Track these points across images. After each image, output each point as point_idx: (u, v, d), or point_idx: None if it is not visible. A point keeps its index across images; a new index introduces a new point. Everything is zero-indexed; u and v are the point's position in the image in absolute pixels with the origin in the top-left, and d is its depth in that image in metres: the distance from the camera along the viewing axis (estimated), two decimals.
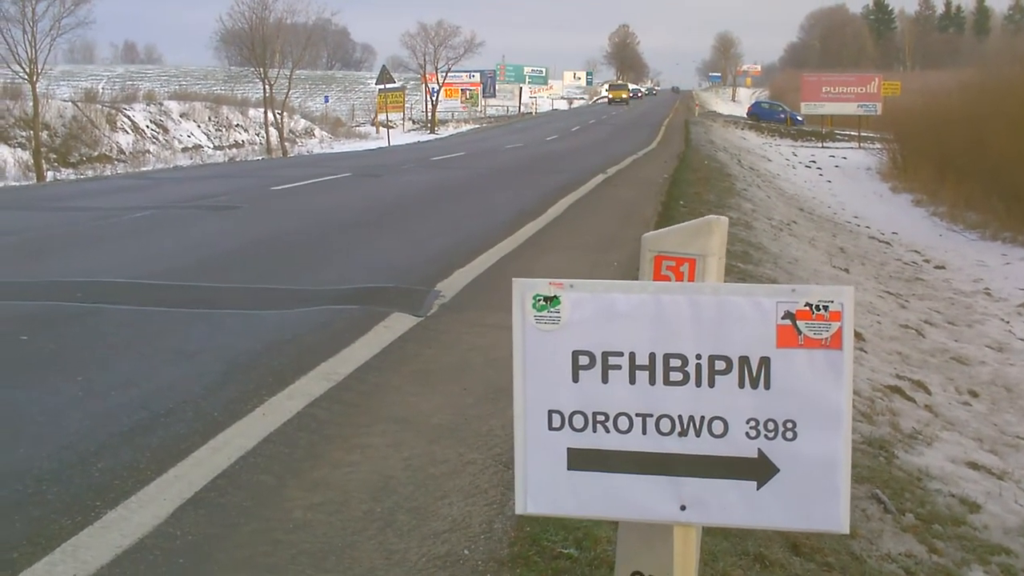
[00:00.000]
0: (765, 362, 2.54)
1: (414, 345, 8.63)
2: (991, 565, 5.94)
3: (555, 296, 2.66)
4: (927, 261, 24.62)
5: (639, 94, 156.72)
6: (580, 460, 2.67)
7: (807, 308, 2.52)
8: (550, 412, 2.67)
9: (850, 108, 68.70)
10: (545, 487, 2.70)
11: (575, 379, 2.65)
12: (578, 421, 2.66)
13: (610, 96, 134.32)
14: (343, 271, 12.06)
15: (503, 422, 6.55)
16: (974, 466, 7.98)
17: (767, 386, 2.55)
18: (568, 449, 2.67)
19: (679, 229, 2.87)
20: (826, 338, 2.52)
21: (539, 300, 2.67)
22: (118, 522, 4.96)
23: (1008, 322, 17.16)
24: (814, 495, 2.55)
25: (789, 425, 2.55)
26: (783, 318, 2.53)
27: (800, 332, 2.52)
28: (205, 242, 14.91)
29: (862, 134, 65.56)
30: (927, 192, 38.19)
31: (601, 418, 2.64)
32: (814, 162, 53.54)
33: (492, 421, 6.64)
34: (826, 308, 2.51)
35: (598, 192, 22.92)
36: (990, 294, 20.29)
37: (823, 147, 64.60)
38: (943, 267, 23.74)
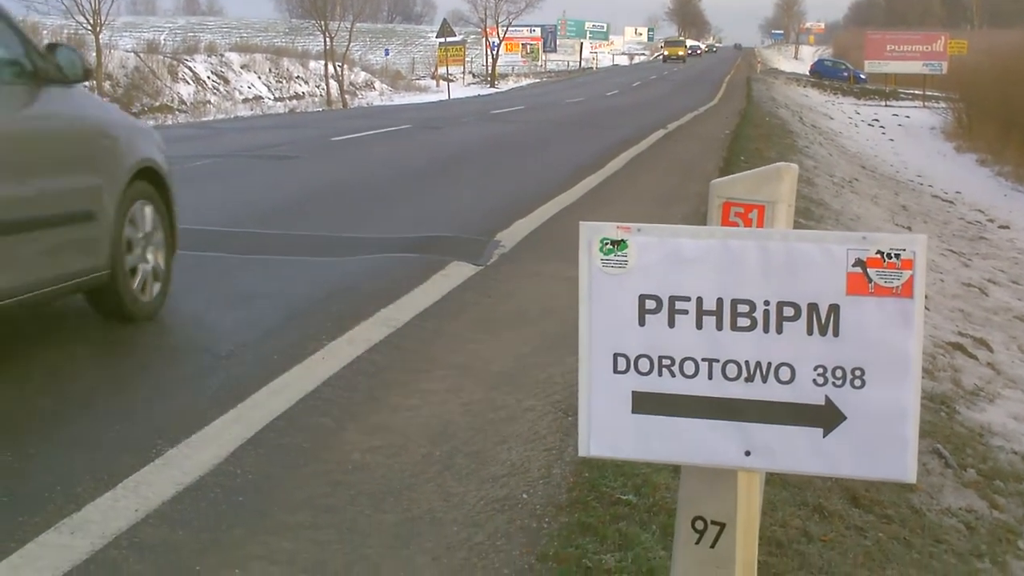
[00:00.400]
0: (834, 309, 2.52)
1: (473, 293, 8.65)
2: None
3: (622, 240, 2.65)
4: (991, 220, 24.37)
5: (698, 51, 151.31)
6: (645, 404, 2.66)
7: (878, 256, 2.49)
8: (615, 355, 2.67)
9: (915, 67, 67.93)
10: (609, 430, 2.70)
11: (641, 323, 2.64)
12: (644, 365, 2.65)
13: (666, 53, 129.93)
14: (403, 220, 12.09)
15: (562, 370, 6.56)
16: None
17: (836, 333, 2.52)
18: (633, 392, 2.66)
19: (748, 176, 2.84)
20: (897, 286, 2.49)
21: (606, 244, 2.65)
22: (179, 460, 5.01)
23: None
24: (881, 444, 2.53)
25: (857, 373, 2.53)
26: (853, 265, 2.50)
27: (871, 280, 2.50)
28: (265, 190, 15.00)
29: (926, 93, 64.85)
30: (992, 152, 37.78)
31: (667, 362, 2.63)
32: (877, 120, 53.07)
33: (551, 369, 6.65)
34: (898, 256, 2.48)
35: (658, 147, 22.85)
36: None
37: (886, 106, 64.01)
38: (1007, 227, 23.49)
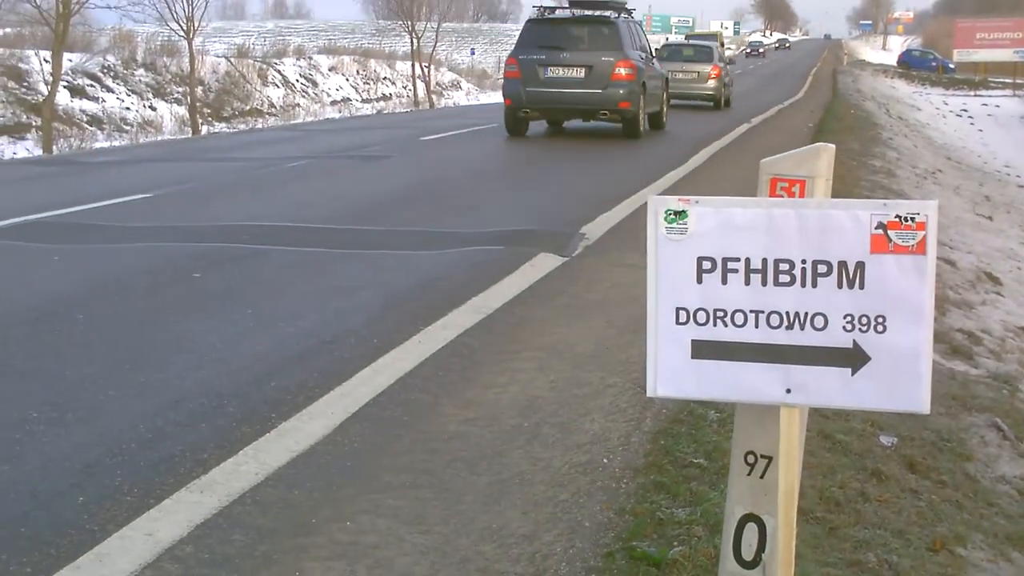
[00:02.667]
0: (860, 266, 2.95)
1: (559, 282, 9.09)
2: None
3: (683, 210, 3.10)
4: None
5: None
6: (702, 350, 3.11)
7: (897, 219, 2.92)
8: (677, 309, 3.12)
9: (1005, 54, 67.32)
10: (672, 373, 3.16)
11: (699, 281, 3.09)
12: (701, 317, 3.10)
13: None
14: (492, 215, 12.55)
15: (641, 351, 6.90)
16: None
17: (861, 286, 2.96)
18: (692, 340, 3.12)
19: (792, 155, 3.26)
20: (913, 245, 2.91)
21: (670, 214, 3.11)
22: (291, 431, 5.52)
23: None
24: (900, 380, 2.97)
25: (880, 320, 2.96)
26: (876, 228, 2.93)
27: (890, 240, 2.92)
28: (359, 189, 15.52)
29: (1017, 81, 64.24)
30: None
31: (721, 314, 3.08)
32: (965, 111, 52.75)
33: (631, 350, 7.07)
34: (913, 219, 2.91)
35: (742, 141, 23.11)
36: None
37: (975, 95, 63.52)
38: None
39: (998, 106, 55.40)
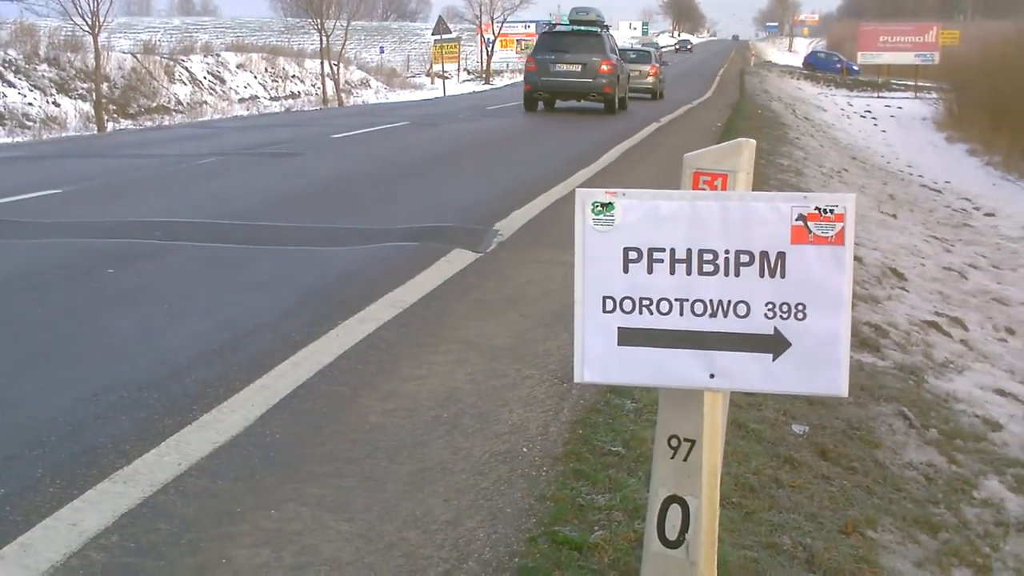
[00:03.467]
0: (781, 256, 3.07)
1: (474, 277, 9.17)
2: (1006, 476, 6.39)
3: (610, 202, 3.20)
4: (977, 209, 24.85)
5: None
6: (628, 337, 3.21)
7: (816, 211, 3.04)
8: (604, 298, 3.21)
9: (907, 58, 68.46)
10: (599, 360, 3.25)
11: (625, 271, 3.19)
12: (627, 305, 3.20)
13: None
14: (405, 212, 12.60)
15: (558, 344, 7.10)
16: (1002, 393, 8.42)
17: (782, 275, 3.08)
18: (618, 328, 3.21)
19: (714, 149, 3.38)
20: (831, 236, 3.03)
21: (597, 205, 3.20)
22: (213, 423, 5.55)
23: None
24: (819, 365, 3.09)
25: (800, 307, 3.08)
26: (796, 219, 3.05)
27: (810, 231, 3.04)
28: (272, 186, 15.49)
29: (919, 84, 65.35)
30: (982, 141, 38.22)
31: (646, 302, 3.18)
32: (869, 112, 53.52)
33: (548, 343, 7.18)
34: (832, 211, 3.03)
35: (651, 140, 23.33)
36: None
37: (879, 97, 64.47)
38: (993, 214, 23.96)
39: (900, 108, 56.26)
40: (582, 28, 33.06)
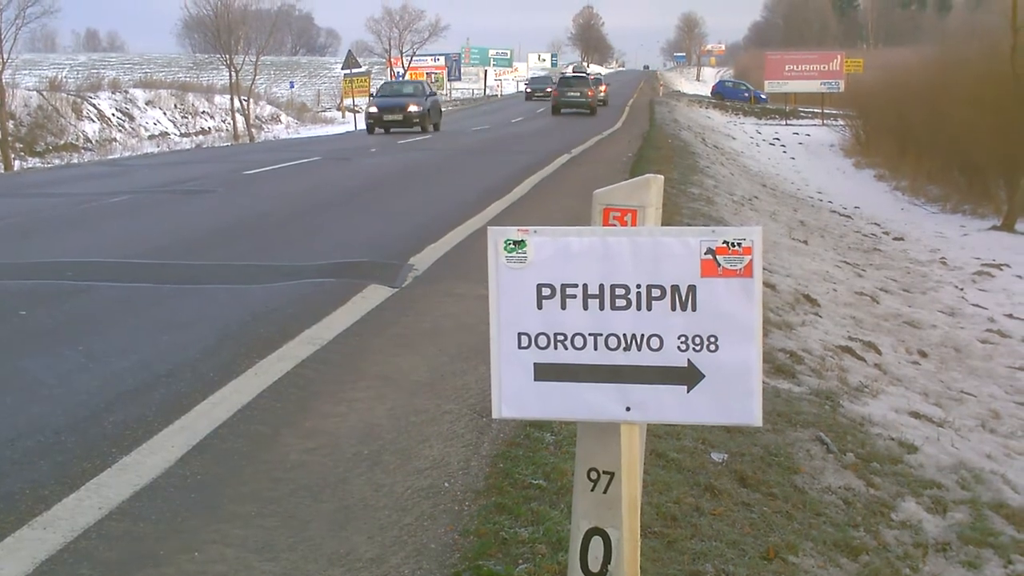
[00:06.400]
0: (692, 289, 3.15)
1: (391, 313, 9.20)
2: (923, 497, 6.52)
3: (522, 240, 3.25)
4: (886, 233, 25.31)
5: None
6: (544, 372, 3.27)
7: (724, 245, 3.12)
8: (519, 334, 3.27)
9: (813, 86, 69.53)
10: (516, 395, 3.30)
11: (539, 307, 3.25)
12: (542, 341, 3.25)
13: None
14: (321, 248, 12.59)
15: (476, 377, 7.15)
16: (916, 415, 8.57)
17: (694, 308, 3.15)
18: (534, 364, 3.27)
19: (623, 185, 3.45)
20: (740, 268, 3.12)
21: (509, 243, 3.26)
22: (133, 465, 5.54)
23: (962, 289, 17.84)
24: (733, 395, 3.16)
25: (712, 339, 3.15)
26: (705, 253, 3.13)
27: (719, 264, 3.12)
28: (185, 224, 15.42)
29: (825, 111, 66.33)
30: (889, 167, 38.98)
31: (561, 338, 3.24)
32: (778, 139, 54.29)
33: (466, 377, 7.23)
34: (739, 244, 3.11)
35: (563, 171, 23.46)
36: (946, 263, 20.97)
37: (787, 125, 65.39)
38: (902, 239, 24.42)
39: (808, 135, 57.10)
40: (578, 75, 65.19)
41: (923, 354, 12.02)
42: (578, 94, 56.62)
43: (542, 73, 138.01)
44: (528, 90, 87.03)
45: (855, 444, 7.20)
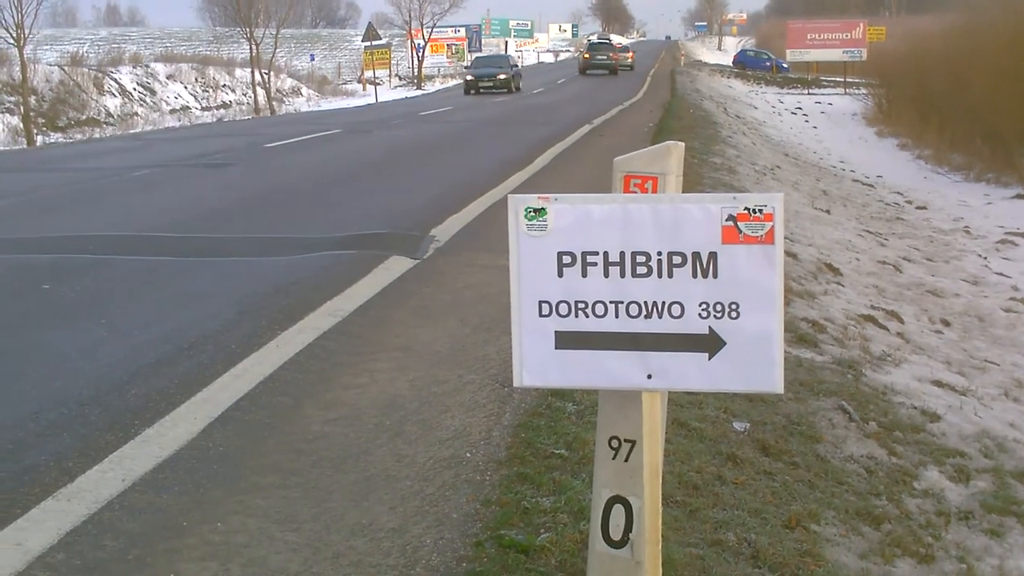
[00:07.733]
0: (713, 256, 3.13)
1: (412, 284, 9.19)
2: (945, 466, 6.50)
3: (543, 208, 3.24)
4: (909, 202, 25.13)
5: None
6: (565, 340, 3.26)
7: (746, 211, 3.10)
8: (540, 302, 3.26)
9: (835, 54, 69.02)
10: (537, 363, 3.29)
11: (560, 275, 3.24)
12: (563, 309, 3.25)
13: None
14: (342, 220, 12.58)
15: (497, 348, 7.14)
16: (939, 384, 8.54)
17: (715, 275, 3.14)
18: (555, 332, 3.26)
19: (643, 153, 3.43)
20: (761, 235, 3.09)
21: (530, 211, 3.24)
22: (156, 437, 5.55)
23: (985, 258, 17.71)
24: (754, 362, 3.15)
25: (733, 306, 3.14)
26: (727, 220, 3.11)
27: (740, 231, 3.10)
28: (206, 197, 15.44)
29: (848, 80, 65.95)
30: (912, 136, 38.64)
31: (582, 306, 3.23)
32: (800, 109, 53.97)
33: (487, 348, 7.22)
34: (761, 211, 3.09)
35: (584, 142, 23.40)
36: (969, 232, 20.81)
37: (809, 94, 65.03)
38: (925, 207, 24.25)
39: (831, 104, 56.79)
40: (604, 41, 76.50)
41: (946, 323, 11.96)
42: (605, 57, 72.03)
43: (563, 44, 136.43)
44: (469, 78, 58.38)
45: (877, 413, 7.18)
